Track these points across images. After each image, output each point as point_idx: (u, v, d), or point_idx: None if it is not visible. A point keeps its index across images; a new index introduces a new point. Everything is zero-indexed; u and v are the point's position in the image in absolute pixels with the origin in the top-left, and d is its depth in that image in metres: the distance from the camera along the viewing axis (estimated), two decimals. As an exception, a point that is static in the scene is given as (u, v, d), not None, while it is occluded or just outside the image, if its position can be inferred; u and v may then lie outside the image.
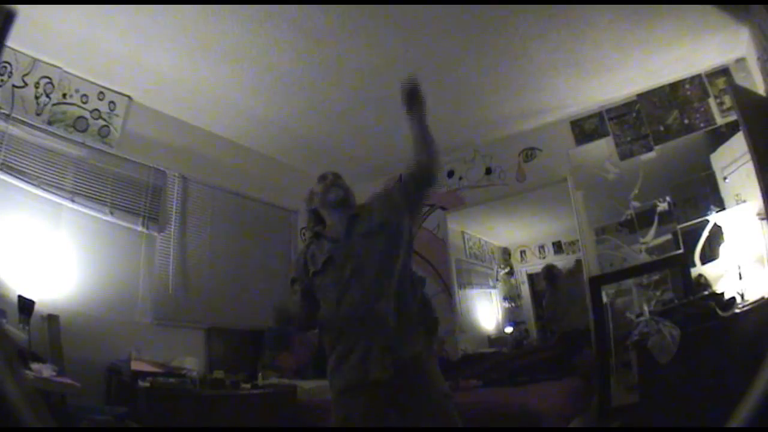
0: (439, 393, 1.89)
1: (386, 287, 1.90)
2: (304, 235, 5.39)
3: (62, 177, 3.45)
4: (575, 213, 4.61)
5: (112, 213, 3.69)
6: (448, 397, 1.91)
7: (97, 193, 3.64)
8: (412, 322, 1.92)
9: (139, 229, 3.88)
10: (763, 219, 3.16)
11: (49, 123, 3.45)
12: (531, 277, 6.86)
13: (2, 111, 3.17)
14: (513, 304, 6.75)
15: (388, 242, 1.97)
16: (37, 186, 3.28)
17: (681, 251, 3.91)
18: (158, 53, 3.50)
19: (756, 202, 3.19)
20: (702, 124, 4.05)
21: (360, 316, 1.89)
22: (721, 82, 3.97)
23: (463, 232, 6.15)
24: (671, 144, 4.18)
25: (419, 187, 2.11)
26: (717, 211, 3.73)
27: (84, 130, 3.65)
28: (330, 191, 2.12)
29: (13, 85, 3.27)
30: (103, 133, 3.77)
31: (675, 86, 4.21)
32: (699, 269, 3.75)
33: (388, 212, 2.04)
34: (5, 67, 3.21)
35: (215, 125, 4.58)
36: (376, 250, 1.95)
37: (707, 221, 3.76)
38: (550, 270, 5.83)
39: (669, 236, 4.04)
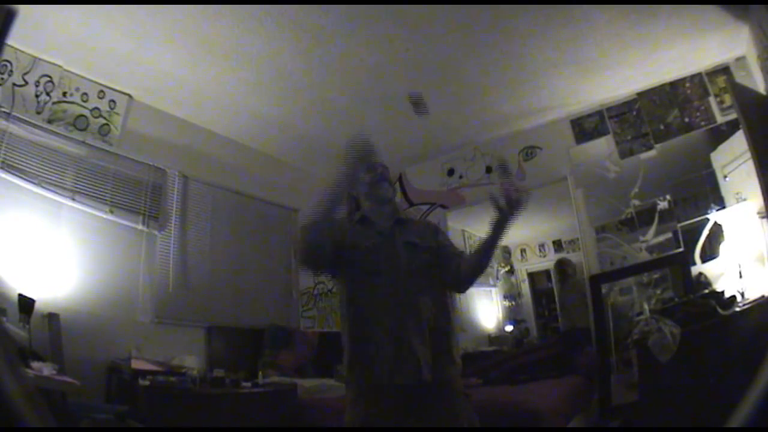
0: (460, 393, 1.87)
1: (422, 300, 1.87)
2: (304, 233, 5.38)
3: (62, 175, 3.45)
4: (575, 211, 4.61)
5: (112, 211, 3.69)
6: (467, 397, 1.89)
7: (98, 192, 3.64)
8: (443, 348, 1.88)
9: (140, 227, 3.88)
10: (763, 217, 3.17)
11: (50, 121, 3.44)
12: (531, 276, 6.85)
13: (3, 109, 3.17)
14: (513, 303, 6.74)
15: (427, 261, 1.95)
16: (38, 184, 3.28)
17: (681, 250, 3.91)
18: (159, 52, 3.50)
19: (756, 201, 3.20)
20: (702, 123, 4.05)
21: (395, 315, 1.83)
22: (721, 81, 3.97)
23: (463, 231, 6.13)
24: (671, 142, 4.18)
25: (445, 281, 2.01)
26: (717, 210, 3.73)
27: (84, 129, 3.65)
28: (380, 186, 2.05)
29: (14, 84, 3.27)
30: (104, 132, 3.77)
31: (675, 85, 4.20)
32: (699, 268, 3.75)
33: (429, 244, 2.01)
34: (6, 65, 3.21)
35: (215, 124, 4.58)
36: (415, 261, 1.92)
37: (707, 219, 3.77)
38: (562, 266, 5.59)
39: (669, 234, 4.04)
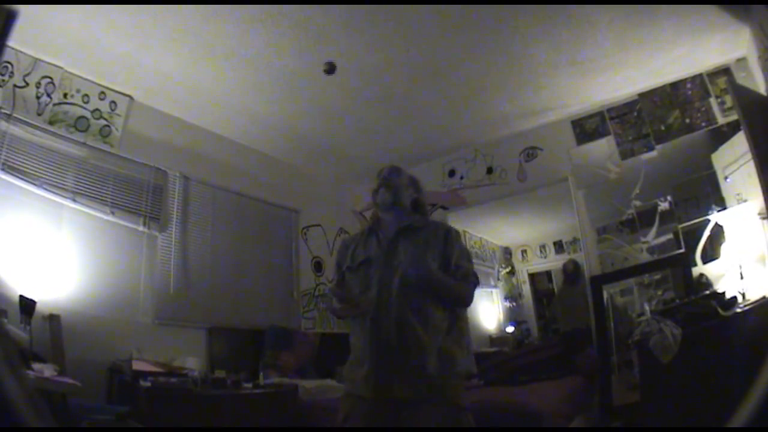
0: (452, 406, 1.78)
1: (413, 314, 1.80)
2: (305, 234, 5.39)
3: (63, 177, 3.45)
4: (576, 212, 4.61)
5: (113, 213, 3.69)
6: (462, 411, 1.80)
7: (99, 193, 3.64)
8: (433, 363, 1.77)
9: (141, 228, 3.88)
10: (764, 218, 3.16)
11: (50, 123, 3.45)
12: (532, 277, 6.85)
13: (4, 111, 3.17)
14: (514, 304, 6.73)
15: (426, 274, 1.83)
16: (39, 186, 3.28)
17: (682, 251, 3.91)
18: (159, 53, 3.50)
19: (757, 202, 3.19)
20: (703, 124, 4.05)
21: (381, 329, 1.81)
22: (722, 82, 3.97)
23: (464, 232, 6.14)
24: (672, 143, 4.18)
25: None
26: (718, 211, 3.73)
27: (85, 130, 3.65)
28: (378, 192, 1.99)
29: (15, 85, 3.27)
30: (105, 133, 3.78)
31: (676, 85, 4.20)
32: (700, 268, 3.75)
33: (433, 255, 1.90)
34: (6, 67, 3.22)
35: (216, 125, 4.58)
36: (411, 276, 1.81)
37: (708, 220, 3.76)
38: (577, 267, 5.24)
39: (670, 235, 4.04)
